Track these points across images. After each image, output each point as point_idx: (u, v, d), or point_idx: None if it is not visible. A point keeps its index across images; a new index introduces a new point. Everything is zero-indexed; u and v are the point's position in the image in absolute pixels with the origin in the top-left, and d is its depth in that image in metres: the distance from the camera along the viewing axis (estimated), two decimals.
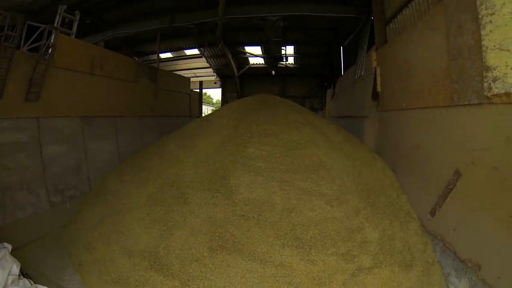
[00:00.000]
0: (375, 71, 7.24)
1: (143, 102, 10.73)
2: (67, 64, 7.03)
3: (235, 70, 21.39)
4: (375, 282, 3.81)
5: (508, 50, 3.24)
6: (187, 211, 4.83)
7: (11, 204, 5.69)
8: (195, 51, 19.47)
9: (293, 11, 11.50)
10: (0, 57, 5.43)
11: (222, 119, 7.14)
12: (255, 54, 19.84)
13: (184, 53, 19.92)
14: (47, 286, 4.08)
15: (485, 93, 3.44)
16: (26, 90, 6.05)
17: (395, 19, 7.11)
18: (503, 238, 3.09)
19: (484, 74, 3.45)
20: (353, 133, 7.83)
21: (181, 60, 21.06)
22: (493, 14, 3.34)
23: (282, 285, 3.80)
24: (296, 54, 19.63)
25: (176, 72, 16.96)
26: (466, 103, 3.84)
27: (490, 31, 3.38)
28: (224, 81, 24.25)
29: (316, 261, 3.98)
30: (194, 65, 22.05)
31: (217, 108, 16.04)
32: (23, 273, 4.17)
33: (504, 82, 3.26)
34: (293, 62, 21.07)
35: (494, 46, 3.35)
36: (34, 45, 6.06)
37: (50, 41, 6.24)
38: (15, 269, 4.00)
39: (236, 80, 22.37)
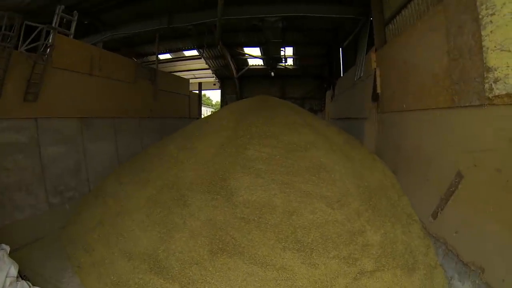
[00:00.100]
0: (375, 72, 7.22)
1: (142, 103, 10.69)
2: (66, 64, 7.01)
3: (234, 72, 21.36)
4: (378, 285, 3.77)
5: (509, 51, 3.20)
6: (187, 213, 4.79)
7: (10, 205, 5.66)
8: (194, 52, 19.45)
9: (292, 11, 11.51)
10: None
11: (222, 120, 7.12)
12: (254, 56, 19.84)
13: (183, 54, 19.88)
14: None
15: (487, 94, 3.42)
16: (24, 91, 6.03)
17: (394, 20, 7.09)
18: (506, 241, 3.06)
19: (485, 75, 3.42)
20: (353, 135, 7.82)
21: (180, 61, 21.03)
22: (493, 14, 3.32)
23: None
24: (295, 56, 19.65)
25: (175, 74, 16.94)
26: (467, 104, 3.81)
27: (491, 31, 3.35)
28: (224, 83, 24.25)
29: (318, 265, 3.95)
30: (193, 66, 22.05)
31: (216, 110, 16.07)
32: (21, 275, 4.12)
33: (505, 83, 3.23)
34: (292, 64, 21.08)
35: (495, 46, 3.32)
36: (32, 45, 6.04)
37: (48, 41, 6.22)
38: (13, 271, 3.95)
39: (236, 81, 22.36)
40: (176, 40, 17.08)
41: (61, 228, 6.08)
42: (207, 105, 44.72)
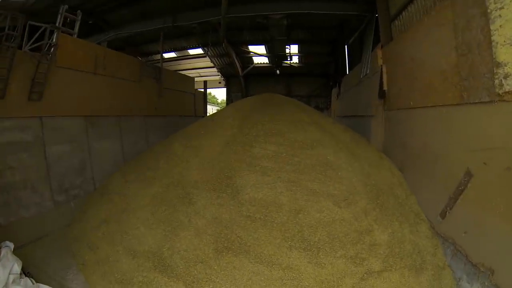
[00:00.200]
0: (381, 69, 7.14)
1: (148, 101, 10.71)
2: (70, 63, 7.04)
3: (240, 70, 21.31)
4: (385, 286, 3.72)
5: None
6: (192, 211, 4.77)
7: (15, 203, 5.70)
8: (199, 51, 19.43)
9: (296, 8, 11.42)
10: (1, 57, 5.43)
11: (227, 118, 7.09)
12: (259, 53, 19.75)
13: (188, 52, 19.88)
14: (50, 285, 4.06)
15: (496, 90, 3.35)
16: (28, 90, 6.06)
17: (400, 16, 7.00)
18: None
19: (495, 71, 3.35)
20: (359, 133, 7.74)
21: (185, 60, 21.02)
22: (502, 8, 3.24)
23: None
24: (301, 53, 19.53)
25: (180, 72, 16.94)
26: (476, 101, 3.74)
27: (500, 25, 3.27)
28: (229, 81, 24.20)
29: (325, 264, 3.90)
30: (198, 64, 22.02)
31: (222, 108, 16.03)
32: (25, 272, 4.16)
33: None
34: (297, 61, 20.96)
35: (504, 41, 3.25)
36: (35, 44, 6.06)
37: (52, 40, 6.25)
38: (17, 268, 3.99)
39: (241, 79, 22.31)
40: (180, 39, 17.10)
41: (66, 226, 6.10)
42: (213, 103, 44.72)
